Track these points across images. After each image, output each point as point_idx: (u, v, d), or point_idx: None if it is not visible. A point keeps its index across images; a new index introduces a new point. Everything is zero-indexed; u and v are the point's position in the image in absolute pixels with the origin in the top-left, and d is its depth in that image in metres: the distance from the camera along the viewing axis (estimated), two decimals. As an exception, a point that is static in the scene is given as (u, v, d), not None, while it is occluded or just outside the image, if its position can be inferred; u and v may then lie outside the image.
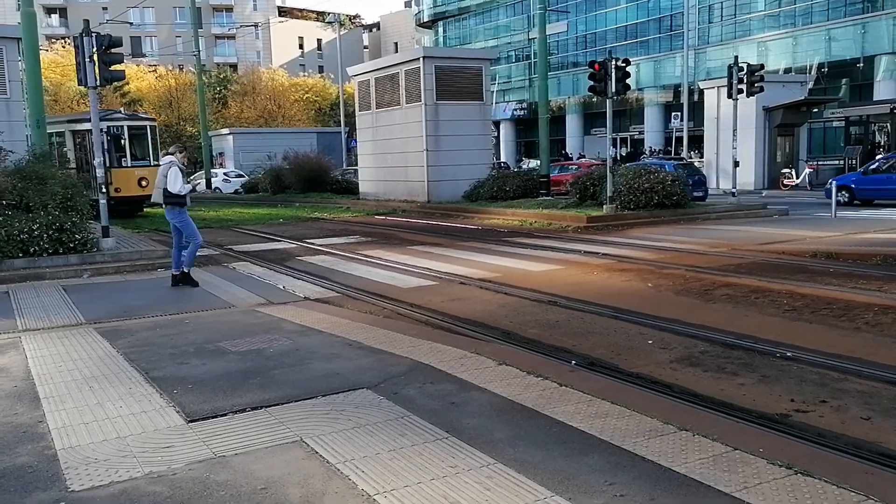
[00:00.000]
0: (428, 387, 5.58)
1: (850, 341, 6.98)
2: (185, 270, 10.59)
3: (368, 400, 5.33)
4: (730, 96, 21.97)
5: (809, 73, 39.03)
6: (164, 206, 10.62)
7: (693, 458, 4.13)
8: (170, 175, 10.33)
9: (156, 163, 21.31)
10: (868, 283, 9.73)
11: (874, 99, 36.46)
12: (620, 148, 50.95)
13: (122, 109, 27.68)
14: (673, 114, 42.96)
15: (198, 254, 11.09)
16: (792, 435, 4.68)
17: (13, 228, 11.71)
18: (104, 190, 13.21)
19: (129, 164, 23.54)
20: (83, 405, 5.39)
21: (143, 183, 22.79)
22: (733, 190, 22.34)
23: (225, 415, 5.10)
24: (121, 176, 23.21)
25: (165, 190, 10.38)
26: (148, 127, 24.36)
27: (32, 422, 5.10)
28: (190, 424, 4.93)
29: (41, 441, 4.72)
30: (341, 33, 57.19)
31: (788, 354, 6.48)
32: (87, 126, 20.46)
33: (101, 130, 19.42)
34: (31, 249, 11.78)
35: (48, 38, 61.57)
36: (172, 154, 10.75)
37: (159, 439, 4.68)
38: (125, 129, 23.38)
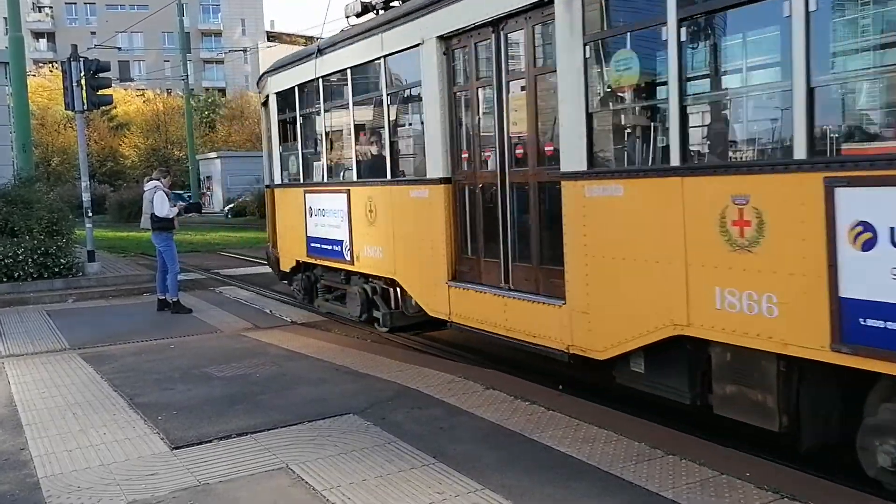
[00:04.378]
0: (415, 412, 5.56)
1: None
2: (174, 300, 10.47)
3: (355, 425, 5.29)
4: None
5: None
6: (151, 231, 10.58)
7: (681, 483, 4.12)
8: (156, 199, 10.33)
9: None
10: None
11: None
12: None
13: None
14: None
15: (184, 278, 11.03)
16: (779, 459, 4.67)
17: (-3, 253, 11.62)
18: (90, 214, 13.12)
19: (595, 168, 4.99)
20: (66, 432, 5.33)
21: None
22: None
23: (210, 441, 5.05)
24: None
25: (153, 215, 10.37)
26: None
27: (14, 449, 5.03)
28: (174, 451, 4.88)
29: (23, 469, 4.65)
30: (330, 58, 57.42)
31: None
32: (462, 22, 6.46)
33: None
34: (16, 274, 11.70)
35: (36, 62, 61.40)
36: (157, 179, 10.72)
37: (143, 467, 4.62)
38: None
